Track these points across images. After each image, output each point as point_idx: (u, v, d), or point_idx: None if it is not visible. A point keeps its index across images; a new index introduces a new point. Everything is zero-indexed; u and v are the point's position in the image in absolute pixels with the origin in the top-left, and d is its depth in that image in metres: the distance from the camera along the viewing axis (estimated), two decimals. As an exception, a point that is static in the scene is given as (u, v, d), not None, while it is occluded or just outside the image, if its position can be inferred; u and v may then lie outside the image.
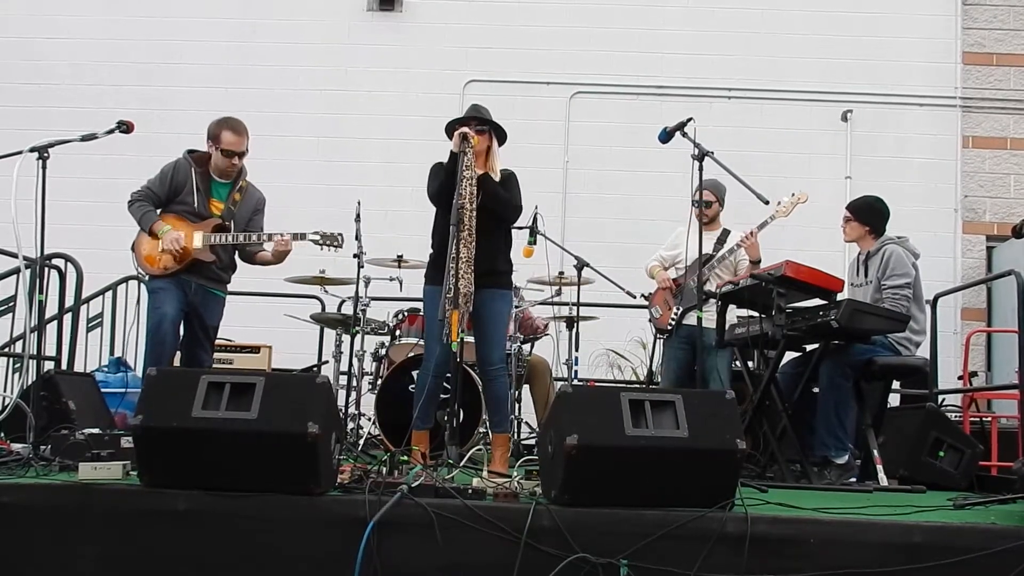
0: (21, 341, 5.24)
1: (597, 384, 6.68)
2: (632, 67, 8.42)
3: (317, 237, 4.67)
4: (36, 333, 4.35)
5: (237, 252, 4.79)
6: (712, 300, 4.82)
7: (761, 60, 8.42)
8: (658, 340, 5.58)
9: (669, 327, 5.22)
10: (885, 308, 4.34)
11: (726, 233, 5.36)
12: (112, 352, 6.54)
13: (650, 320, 5.49)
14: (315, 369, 6.90)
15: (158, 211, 4.59)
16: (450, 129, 4.22)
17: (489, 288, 4.14)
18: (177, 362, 4.74)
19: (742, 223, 5.36)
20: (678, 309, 5.21)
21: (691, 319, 5.04)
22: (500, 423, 4.34)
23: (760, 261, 5.07)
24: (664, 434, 2.95)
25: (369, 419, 5.52)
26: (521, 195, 4.34)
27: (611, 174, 8.32)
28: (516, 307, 5.53)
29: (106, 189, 7.67)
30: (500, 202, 4.18)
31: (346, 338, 5.93)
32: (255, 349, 6.46)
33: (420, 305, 5.72)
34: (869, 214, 4.75)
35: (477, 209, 4.04)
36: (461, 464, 3.72)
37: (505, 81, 8.34)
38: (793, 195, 5.03)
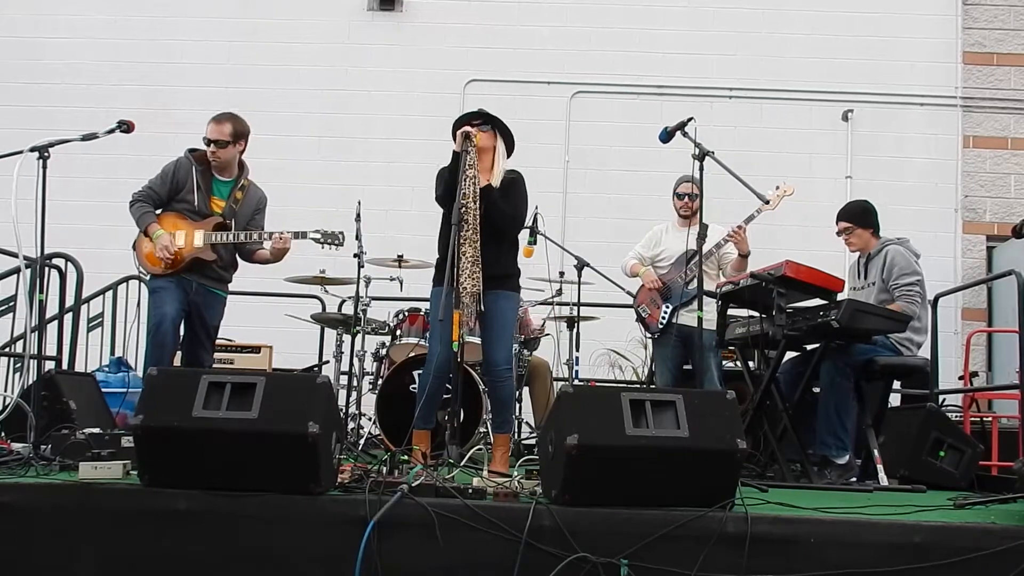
0: (21, 341, 5.25)
1: (598, 384, 6.68)
2: (633, 67, 8.42)
3: (318, 236, 4.68)
4: (36, 333, 4.35)
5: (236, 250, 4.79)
6: (707, 299, 4.80)
7: (762, 60, 8.42)
8: (648, 338, 5.56)
9: (660, 326, 5.21)
10: (886, 308, 4.34)
11: (705, 228, 5.34)
12: (112, 352, 6.54)
13: (638, 320, 5.47)
14: (316, 369, 6.90)
15: (158, 211, 4.59)
16: (457, 126, 4.20)
17: (496, 290, 4.13)
18: (178, 362, 4.74)
19: (726, 219, 5.34)
20: (667, 307, 5.20)
21: (685, 318, 5.04)
22: (503, 424, 4.33)
23: (749, 255, 5.05)
24: (664, 434, 2.95)
25: (370, 419, 5.52)
26: (526, 200, 4.32)
27: (612, 174, 8.32)
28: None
29: (106, 189, 7.69)
30: (501, 216, 4.18)
31: (347, 338, 5.93)
32: (256, 349, 6.46)
33: (420, 305, 5.74)
34: (866, 217, 4.76)
35: (482, 217, 4.03)
36: (461, 464, 3.72)
37: (505, 81, 8.34)
38: (778, 188, 5.02)
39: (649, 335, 5.41)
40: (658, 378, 5.36)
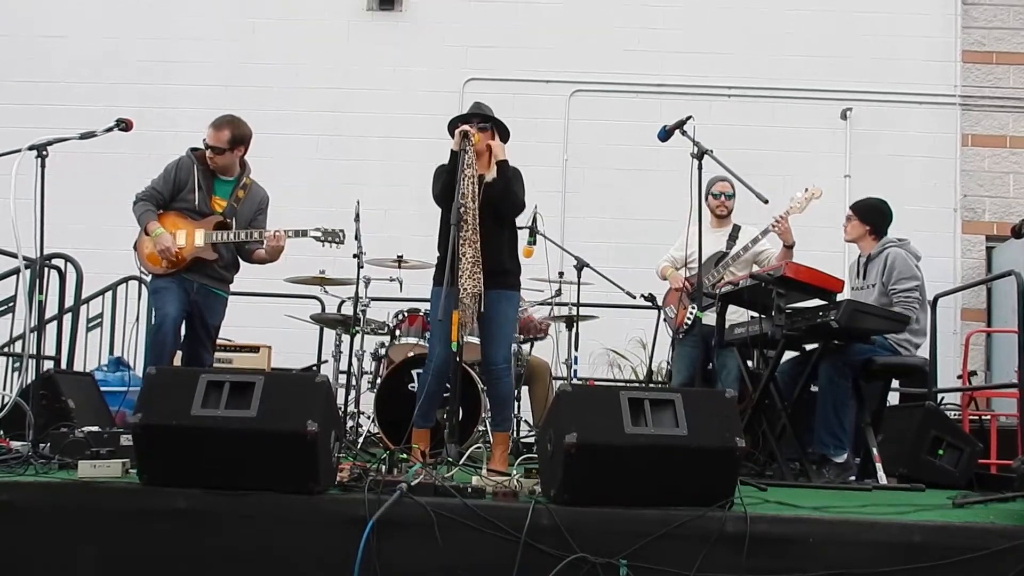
0: (21, 341, 5.25)
1: (597, 384, 6.67)
2: (632, 65, 8.42)
3: (319, 234, 4.68)
4: (36, 333, 4.35)
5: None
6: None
7: (761, 58, 8.42)
8: (671, 340, 5.57)
9: (686, 326, 5.23)
10: (885, 309, 4.34)
11: (737, 229, 5.36)
12: (112, 352, 6.54)
13: (665, 320, 5.49)
14: (314, 368, 6.90)
15: (159, 211, 4.59)
16: (452, 127, 4.21)
17: (496, 289, 4.13)
18: (178, 361, 4.73)
19: (745, 222, 5.36)
20: (693, 308, 5.21)
21: (709, 318, 5.04)
22: (502, 422, 4.33)
23: (794, 245, 5.04)
24: (663, 432, 2.95)
25: (368, 417, 5.52)
26: (524, 190, 4.33)
27: (611, 173, 8.31)
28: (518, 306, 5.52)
29: (106, 188, 7.69)
30: (509, 195, 4.17)
31: (346, 338, 5.93)
32: (255, 349, 6.46)
33: (420, 305, 5.74)
34: (871, 214, 4.76)
35: (480, 209, 4.03)
36: (460, 462, 3.72)
37: (505, 79, 8.33)
38: (807, 190, 5.02)
39: (673, 335, 5.41)
40: (675, 377, 5.37)
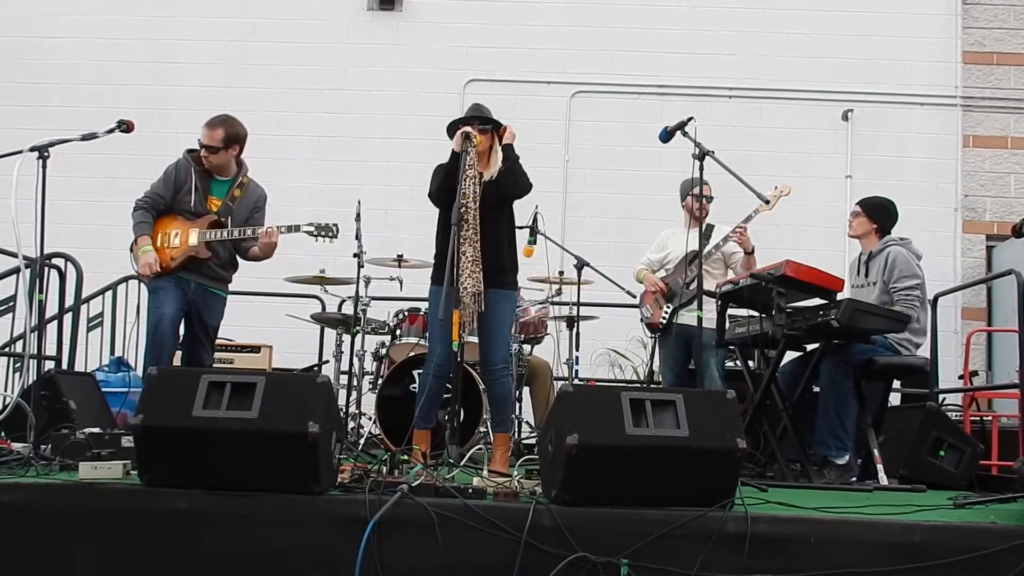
0: (21, 341, 5.25)
1: (598, 384, 6.67)
2: (633, 66, 8.42)
3: (311, 228, 4.67)
4: (36, 333, 4.35)
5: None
6: (707, 299, 4.81)
7: (761, 59, 8.42)
8: (652, 339, 5.59)
9: (660, 325, 5.24)
10: (885, 308, 4.34)
11: (710, 228, 5.37)
12: (112, 352, 6.54)
13: (641, 320, 5.50)
14: (315, 369, 6.90)
15: (161, 214, 4.60)
16: (452, 129, 4.21)
17: (494, 288, 4.13)
18: (178, 361, 4.73)
19: (727, 218, 5.35)
20: (667, 308, 5.23)
21: (685, 318, 5.07)
22: (502, 423, 4.33)
23: (754, 251, 5.07)
24: (664, 433, 2.95)
25: (370, 418, 5.52)
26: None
27: (612, 173, 8.32)
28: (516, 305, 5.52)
29: (106, 189, 7.70)
30: (515, 174, 4.18)
31: (346, 338, 5.93)
32: (256, 349, 6.46)
33: (420, 305, 5.74)
34: (879, 212, 4.77)
35: (480, 208, 4.04)
36: (461, 464, 3.72)
37: (505, 80, 8.34)
38: (776, 188, 5.05)
39: (651, 335, 5.44)
40: (662, 378, 5.39)
